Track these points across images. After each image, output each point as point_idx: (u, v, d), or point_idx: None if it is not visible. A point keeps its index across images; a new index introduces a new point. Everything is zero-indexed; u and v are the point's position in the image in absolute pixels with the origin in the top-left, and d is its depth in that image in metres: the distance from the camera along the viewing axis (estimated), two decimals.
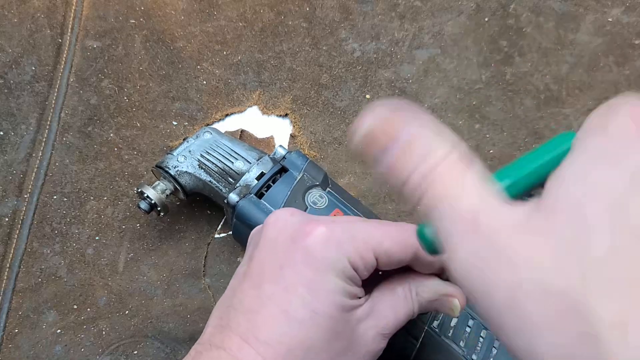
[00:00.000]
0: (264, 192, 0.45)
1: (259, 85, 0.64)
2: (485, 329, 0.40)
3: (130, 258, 0.54)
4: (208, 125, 0.61)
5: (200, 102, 0.62)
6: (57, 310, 0.51)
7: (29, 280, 0.53)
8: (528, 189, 0.26)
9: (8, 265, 0.53)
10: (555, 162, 0.24)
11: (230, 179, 0.49)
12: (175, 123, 0.61)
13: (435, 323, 0.40)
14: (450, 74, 0.64)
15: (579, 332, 0.15)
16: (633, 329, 0.15)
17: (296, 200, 0.45)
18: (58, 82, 0.63)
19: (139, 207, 0.50)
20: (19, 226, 0.55)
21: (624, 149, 0.18)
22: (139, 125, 0.61)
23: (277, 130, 0.61)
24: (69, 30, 0.66)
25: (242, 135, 0.60)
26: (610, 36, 0.65)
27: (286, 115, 0.62)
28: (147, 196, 0.50)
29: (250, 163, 0.49)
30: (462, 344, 0.39)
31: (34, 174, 0.58)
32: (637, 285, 0.15)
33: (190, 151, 0.51)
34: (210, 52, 0.65)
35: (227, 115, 0.62)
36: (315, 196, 0.45)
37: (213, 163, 0.50)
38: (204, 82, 0.64)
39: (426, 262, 0.31)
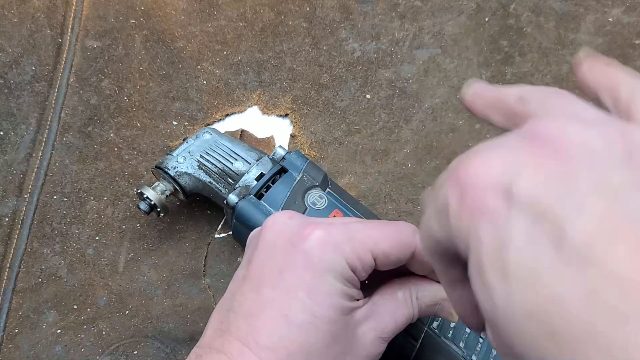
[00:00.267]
0: (264, 193, 0.45)
1: (259, 85, 0.64)
2: None
3: (131, 258, 0.54)
4: (208, 125, 0.61)
5: (200, 102, 0.62)
6: (57, 310, 0.51)
7: (29, 280, 0.53)
8: None
9: (8, 265, 0.53)
10: None
11: (229, 180, 0.49)
12: (175, 123, 0.61)
13: (435, 324, 0.40)
14: (451, 74, 0.64)
15: None
16: None
17: (296, 201, 0.45)
18: (58, 82, 0.63)
19: (139, 208, 0.50)
20: (19, 226, 0.55)
21: None
22: (139, 125, 0.61)
23: (277, 130, 0.61)
24: (69, 30, 0.66)
25: (242, 136, 0.60)
26: (610, 36, 0.65)
27: (286, 115, 0.62)
28: (147, 197, 0.50)
29: (249, 164, 0.49)
30: (461, 344, 0.39)
31: (34, 174, 0.58)
32: None
33: (189, 152, 0.51)
34: (210, 52, 0.65)
35: (227, 115, 0.62)
36: (315, 197, 0.45)
37: (213, 164, 0.50)
38: (204, 82, 0.64)
39: (424, 261, 0.31)
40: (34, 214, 0.56)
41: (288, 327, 0.28)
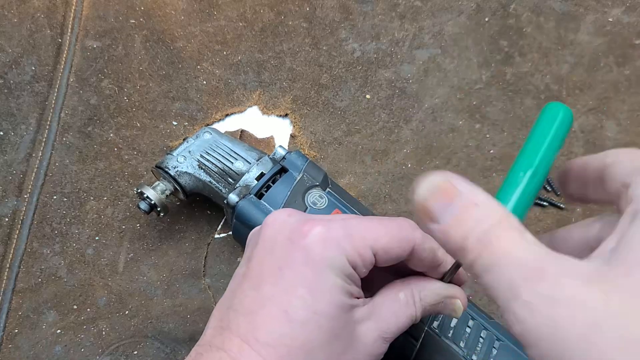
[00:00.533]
0: (264, 193, 0.45)
1: (259, 85, 0.64)
2: (485, 329, 0.40)
3: (130, 258, 0.54)
4: (208, 125, 0.61)
5: (200, 102, 0.62)
6: (57, 310, 0.51)
7: (29, 280, 0.53)
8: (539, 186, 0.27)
9: (8, 266, 0.53)
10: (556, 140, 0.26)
11: (230, 180, 0.49)
12: (175, 123, 0.61)
13: (436, 323, 0.40)
14: (451, 74, 0.64)
15: None
16: None
17: (296, 201, 0.45)
18: (58, 82, 0.63)
19: (139, 208, 0.50)
20: (19, 226, 0.55)
21: None
22: (139, 125, 0.61)
23: (277, 130, 0.61)
24: (69, 30, 0.66)
25: (242, 136, 0.60)
26: (610, 36, 0.65)
27: (286, 115, 0.62)
28: (147, 197, 0.50)
29: (250, 163, 0.49)
30: (462, 344, 0.39)
31: (34, 174, 0.58)
32: None
33: (190, 151, 0.51)
34: (210, 52, 0.65)
35: (227, 115, 0.62)
36: (315, 196, 0.45)
37: (213, 163, 0.50)
38: (204, 82, 0.64)
39: (424, 257, 0.31)
40: (33, 214, 0.56)
41: (288, 324, 0.27)
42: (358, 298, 0.31)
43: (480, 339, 0.40)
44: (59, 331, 0.50)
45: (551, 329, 0.20)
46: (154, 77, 0.64)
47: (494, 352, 0.39)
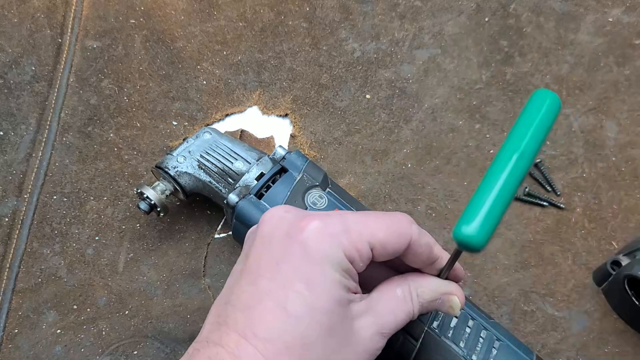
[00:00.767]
0: (264, 193, 0.45)
1: (259, 85, 0.64)
2: (486, 329, 0.40)
3: (130, 258, 0.54)
4: (208, 125, 0.61)
5: (200, 102, 0.62)
6: (57, 310, 0.51)
7: (29, 280, 0.53)
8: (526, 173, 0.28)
9: (8, 266, 0.53)
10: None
11: (230, 180, 0.49)
12: (175, 123, 0.61)
13: (435, 323, 0.40)
14: (451, 74, 0.64)
15: None
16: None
17: (296, 201, 0.45)
18: (58, 82, 0.63)
19: (139, 208, 0.50)
20: (19, 226, 0.55)
21: None
22: (139, 125, 0.61)
23: (277, 130, 0.61)
24: (69, 30, 0.66)
25: (242, 136, 0.60)
26: (610, 36, 0.65)
27: (286, 115, 0.62)
28: (147, 197, 0.50)
29: (250, 163, 0.49)
30: (462, 344, 0.39)
31: (33, 174, 0.58)
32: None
33: (190, 151, 0.51)
34: (210, 52, 0.65)
35: (227, 115, 0.62)
36: (315, 196, 0.45)
37: (213, 163, 0.50)
38: (204, 82, 0.64)
39: (420, 252, 0.31)
40: (33, 214, 0.56)
41: (286, 319, 0.27)
42: (355, 293, 0.31)
43: (480, 339, 0.40)
44: (59, 331, 0.50)
45: None
46: (154, 77, 0.64)
47: (494, 352, 0.39)
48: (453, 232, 0.28)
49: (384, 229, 0.30)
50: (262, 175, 0.47)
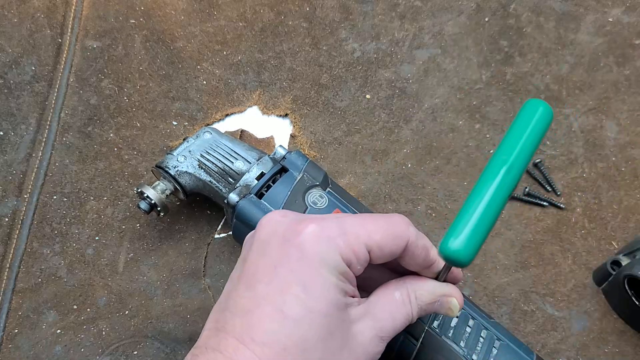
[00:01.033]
0: (264, 192, 0.45)
1: (259, 85, 0.64)
2: (486, 329, 0.40)
3: (130, 258, 0.54)
4: (208, 125, 0.61)
5: (200, 102, 0.62)
6: (57, 310, 0.51)
7: (29, 280, 0.53)
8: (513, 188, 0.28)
9: (8, 266, 0.53)
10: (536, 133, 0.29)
11: (230, 179, 0.49)
12: (175, 123, 0.61)
13: (436, 323, 0.40)
14: (451, 74, 0.64)
15: None
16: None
17: (296, 200, 0.45)
18: (58, 82, 0.63)
19: (139, 207, 0.50)
20: (19, 226, 0.55)
21: None
22: (139, 125, 0.61)
23: (277, 130, 0.61)
24: (69, 30, 0.66)
25: (242, 135, 0.60)
26: (610, 36, 0.65)
27: (286, 115, 0.62)
28: (147, 196, 0.50)
29: (250, 163, 0.49)
30: (462, 344, 0.39)
31: (33, 174, 0.58)
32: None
33: (190, 151, 0.51)
34: (210, 52, 0.65)
35: (227, 115, 0.62)
36: (315, 196, 0.45)
37: (213, 163, 0.50)
38: (204, 82, 0.64)
39: (417, 254, 0.31)
40: (33, 214, 0.56)
41: (283, 322, 0.27)
42: (353, 297, 0.31)
43: (481, 338, 0.40)
44: (59, 331, 0.50)
45: None
46: (154, 77, 0.64)
47: (494, 351, 0.39)
48: (440, 246, 0.28)
49: (381, 230, 0.30)
50: (262, 174, 0.47)
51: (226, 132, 0.60)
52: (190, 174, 0.50)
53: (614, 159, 0.58)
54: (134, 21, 0.67)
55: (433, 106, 0.62)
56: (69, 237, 0.55)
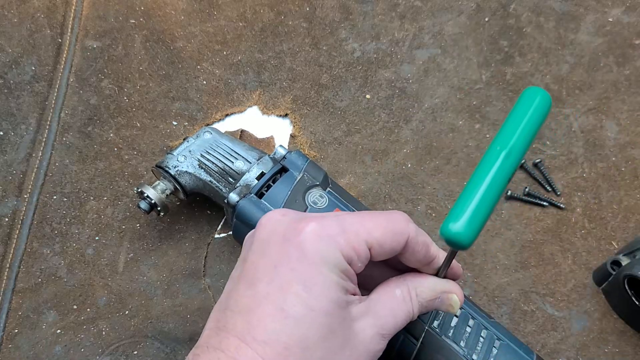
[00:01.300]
0: (264, 192, 0.45)
1: (259, 85, 0.64)
2: (486, 328, 0.40)
3: (130, 258, 0.54)
4: (208, 125, 0.61)
5: (200, 102, 0.62)
6: (57, 310, 0.51)
7: (28, 280, 0.52)
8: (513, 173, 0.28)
9: (8, 266, 0.53)
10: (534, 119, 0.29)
11: (230, 179, 0.49)
12: (175, 123, 0.61)
13: (436, 323, 0.40)
14: (451, 74, 0.64)
15: None
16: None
17: (296, 200, 0.45)
18: (58, 82, 0.63)
19: (139, 207, 0.50)
20: (19, 226, 0.55)
21: None
22: (139, 125, 0.61)
23: (277, 130, 0.61)
24: (69, 30, 0.66)
25: (242, 135, 0.60)
26: (610, 36, 0.65)
27: (286, 115, 0.62)
28: (147, 196, 0.50)
29: (250, 163, 0.49)
30: (462, 343, 0.39)
31: (33, 174, 0.58)
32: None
33: (190, 151, 0.51)
34: (210, 52, 0.65)
35: (227, 115, 0.62)
36: (316, 196, 0.45)
37: (213, 163, 0.50)
38: (204, 82, 0.64)
39: (417, 250, 0.31)
40: (33, 214, 0.56)
41: (284, 321, 0.27)
42: (354, 295, 0.31)
43: (481, 338, 0.40)
44: (59, 331, 0.50)
45: None
46: (154, 77, 0.64)
47: (494, 351, 0.39)
48: (440, 229, 0.28)
49: (381, 227, 0.30)
50: (262, 174, 0.47)
51: (226, 132, 0.60)
52: (190, 173, 0.50)
53: (614, 159, 0.58)
54: (134, 21, 0.67)
55: (433, 106, 0.62)
56: (69, 237, 0.55)
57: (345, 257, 0.29)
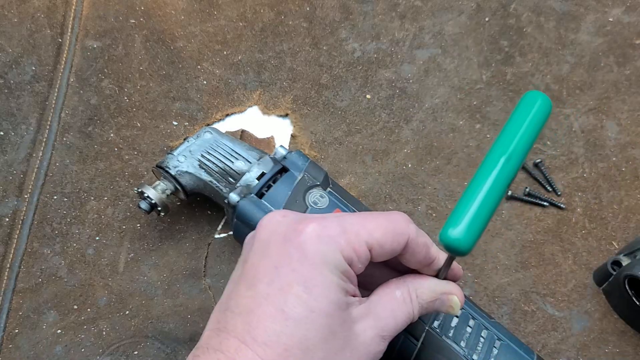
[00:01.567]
0: (265, 192, 0.45)
1: (259, 85, 0.64)
2: (486, 329, 0.40)
3: (131, 258, 0.54)
4: (208, 125, 0.61)
5: (200, 102, 0.62)
6: (57, 310, 0.51)
7: (29, 280, 0.52)
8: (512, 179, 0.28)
9: (8, 266, 0.53)
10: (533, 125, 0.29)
11: (230, 179, 0.49)
12: (175, 123, 0.61)
13: (436, 323, 0.39)
14: (451, 74, 0.64)
15: None
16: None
17: (297, 200, 0.45)
18: (58, 82, 0.63)
19: (140, 207, 0.50)
20: (19, 226, 0.55)
21: None
22: (139, 125, 0.61)
23: (278, 130, 0.61)
24: (69, 30, 0.66)
25: (242, 135, 0.60)
26: (610, 36, 0.65)
27: (286, 115, 0.62)
28: (148, 196, 0.50)
29: (250, 163, 0.49)
30: (462, 344, 0.39)
31: (34, 174, 0.58)
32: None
33: (190, 151, 0.51)
34: (210, 52, 0.65)
35: (227, 115, 0.62)
36: (316, 196, 0.45)
37: (213, 163, 0.50)
38: (204, 82, 0.64)
39: (417, 251, 0.31)
40: (34, 214, 0.56)
41: (285, 322, 0.27)
42: (354, 296, 0.31)
43: (481, 338, 0.40)
44: (59, 331, 0.50)
45: None
46: (154, 77, 0.64)
47: (495, 351, 0.39)
48: (440, 235, 0.28)
49: (382, 228, 0.30)
50: (263, 174, 0.47)
51: (226, 132, 0.60)
52: (190, 173, 0.50)
53: (614, 159, 0.58)
54: (134, 21, 0.67)
55: (433, 106, 0.62)
56: (70, 237, 0.55)
57: (345, 258, 0.29)
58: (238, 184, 0.47)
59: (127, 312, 0.51)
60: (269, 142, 0.60)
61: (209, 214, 0.56)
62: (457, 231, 0.27)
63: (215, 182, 0.49)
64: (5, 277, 0.52)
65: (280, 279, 0.29)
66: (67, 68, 0.64)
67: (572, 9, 0.67)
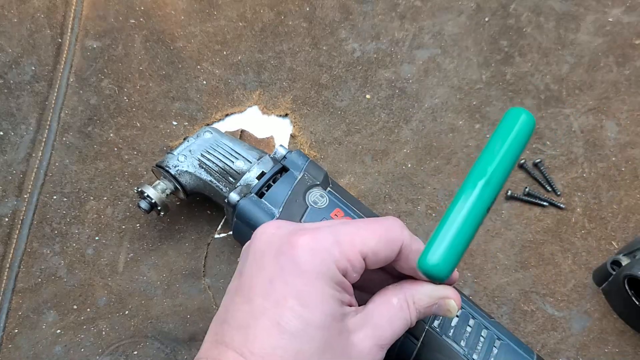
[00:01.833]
0: (265, 192, 0.45)
1: (259, 85, 0.64)
2: (486, 328, 0.40)
3: (130, 258, 0.54)
4: (208, 125, 0.61)
5: (200, 102, 0.62)
6: (57, 310, 0.51)
7: (28, 280, 0.52)
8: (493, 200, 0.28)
9: (8, 266, 0.53)
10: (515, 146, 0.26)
11: (230, 179, 0.49)
12: (175, 123, 0.61)
13: (436, 323, 0.40)
14: (451, 74, 0.64)
15: None
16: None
17: (297, 200, 0.45)
18: (58, 82, 0.63)
19: (139, 207, 0.50)
20: (19, 226, 0.55)
21: None
22: (139, 125, 0.61)
23: (277, 130, 0.61)
24: (69, 30, 0.66)
25: (242, 135, 0.60)
26: (610, 36, 0.65)
27: (286, 115, 0.62)
28: (148, 195, 0.50)
29: (250, 162, 0.49)
30: (462, 343, 0.39)
31: (33, 174, 0.58)
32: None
33: (190, 150, 0.51)
34: (210, 52, 0.65)
35: (227, 115, 0.62)
36: (316, 196, 0.45)
37: (213, 162, 0.50)
38: (204, 82, 0.64)
39: (412, 258, 0.31)
40: (33, 214, 0.56)
41: (281, 335, 0.28)
42: (350, 306, 0.31)
43: (481, 338, 0.40)
44: (59, 331, 0.50)
45: None
46: (154, 77, 0.64)
47: (495, 351, 0.39)
48: (418, 261, 0.28)
49: (376, 236, 0.30)
50: (263, 174, 0.47)
51: (226, 132, 0.60)
52: (190, 173, 0.50)
53: (614, 159, 0.58)
54: (134, 21, 0.67)
55: (433, 106, 0.62)
56: (69, 237, 0.55)
57: (340, 269, 0.29)
58: (238, 184, 0.47)
59: (127, 312, 0.51)
60: (268, 142, 0.60)
61: (209, 213, 0.56)
62: (435, 258, 0.27)
63: (215, 181, 0.49)
64: (5, 277, 0.52)
65: (275, 292, 0.29)
66: (67, 68, 0.64)
67: (571, 9, 0.67)
